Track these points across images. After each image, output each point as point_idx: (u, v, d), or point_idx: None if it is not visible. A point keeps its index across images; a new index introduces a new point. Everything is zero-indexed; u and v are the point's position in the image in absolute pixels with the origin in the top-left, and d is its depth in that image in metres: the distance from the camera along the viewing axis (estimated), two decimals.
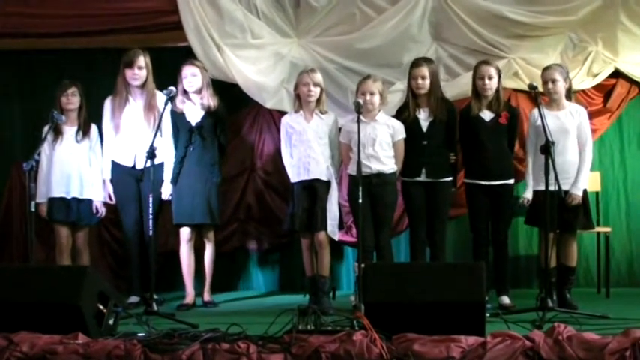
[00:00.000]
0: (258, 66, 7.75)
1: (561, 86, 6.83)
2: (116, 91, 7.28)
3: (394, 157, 6.95)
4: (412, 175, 7.01)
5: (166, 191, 7.23)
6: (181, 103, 7.21)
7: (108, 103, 7.31)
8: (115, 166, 7.30)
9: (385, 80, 7.39)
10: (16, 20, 7.73)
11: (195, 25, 7.62)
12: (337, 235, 7.14)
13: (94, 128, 7.36)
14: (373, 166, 6.86)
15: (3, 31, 7.76)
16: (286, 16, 7.80)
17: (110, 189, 7.33)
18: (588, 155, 6.85)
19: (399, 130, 6.98)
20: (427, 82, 6.97)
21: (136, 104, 7.26)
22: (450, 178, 7.08)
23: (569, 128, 6.79)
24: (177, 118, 7.23)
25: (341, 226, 7.22)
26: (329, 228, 6.98)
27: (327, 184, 7.00)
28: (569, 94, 6.94)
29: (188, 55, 7.51)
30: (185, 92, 7.22)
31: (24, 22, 7.74)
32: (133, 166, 7.17)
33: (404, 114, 7.04)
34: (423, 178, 6.99)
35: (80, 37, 7.82)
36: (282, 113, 7.52)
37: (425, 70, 6.97)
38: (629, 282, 7.91)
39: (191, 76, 7.19)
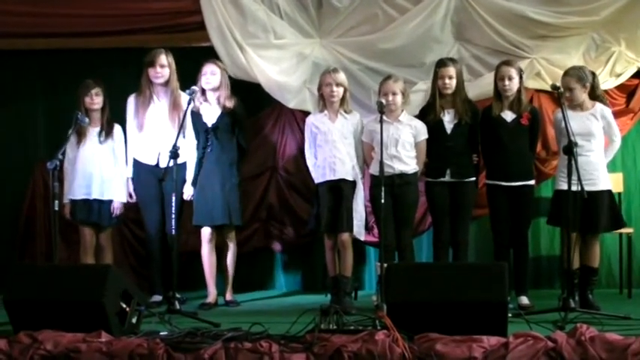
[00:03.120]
0: (281, 66, 7.75)
1: (579, 93, 6.77)
2: (140, 90, 7.30)
3: (416, 157, 6.95)
4: (437, 176, 7.02)
5: (188, 192, 7.24)
6: (199, 103, 7.20)
7: (131, 101, 7.35)
8: (137, 165, 7.33)
9: (407, 80, 7.40)
10: (40, 20, 7.76)
11: (218, 24, 7.63)
12: (363, 236, 7.14)
13: (117, 128, 7.37)
14: (396, 166, 6.86)
15: (26, 30, 7.78)
16: (309, 16, 7.79)
17: (131, 187, 7.36)
18: (617, 144, 6.90)
19: (422, 130, 6.97)
20: (454, 82, 6.97)
21: (160, 103, 7.29)
22: (474, 178, 7.08)
23: (594, 130, 6.75)
24: (196, 118, 7.24)
25: (366, 226, 7.22)
26: (355, 229, 6.98)
27: (353, 184, 7.00)
28: (594, 93, 6.86)
29: (211, 55, 7.51)
30: (203, 92, 7.23)
31: (47, 21, 7.76)
32: (156, 165, 7.19)
33: (429, 115, 7.04)
34: (447, 178, 6.99)
35: (103, 37, 7.84)
36: (305, 113, 7.54)
37: (452, 70, 6.97)
38: None
39: (210, 74, 7.19)
